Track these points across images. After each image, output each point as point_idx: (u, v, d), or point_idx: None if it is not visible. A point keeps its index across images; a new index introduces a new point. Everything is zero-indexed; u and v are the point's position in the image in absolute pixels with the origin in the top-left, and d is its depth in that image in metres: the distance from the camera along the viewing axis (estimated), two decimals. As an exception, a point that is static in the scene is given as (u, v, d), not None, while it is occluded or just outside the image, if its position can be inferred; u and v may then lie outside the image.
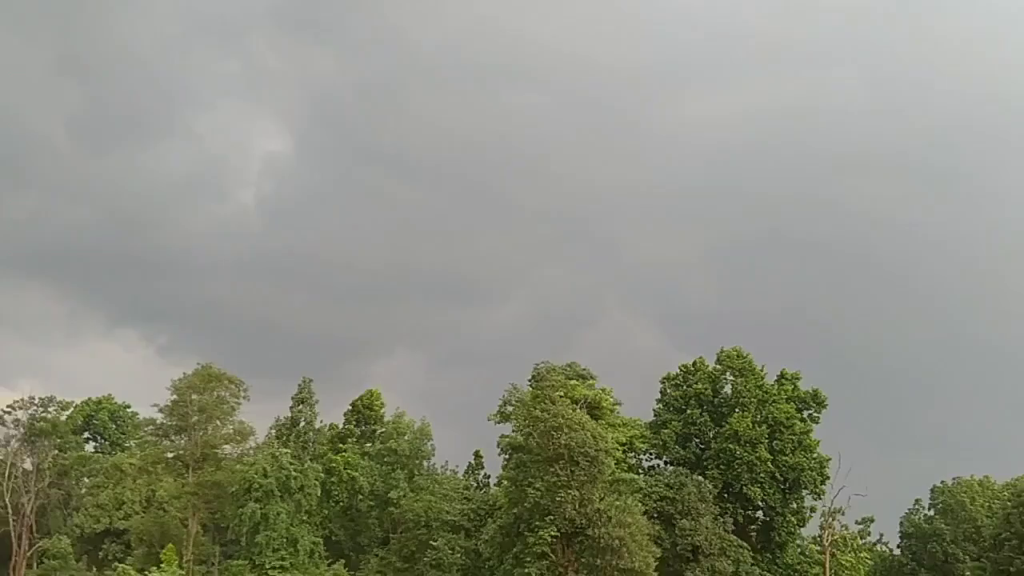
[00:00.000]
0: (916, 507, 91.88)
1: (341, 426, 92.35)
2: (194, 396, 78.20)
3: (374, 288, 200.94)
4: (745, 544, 69.50)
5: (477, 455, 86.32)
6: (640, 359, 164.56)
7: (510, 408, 71.41)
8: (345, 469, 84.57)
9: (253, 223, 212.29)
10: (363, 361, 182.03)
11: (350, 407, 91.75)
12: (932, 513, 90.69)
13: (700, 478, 70.30)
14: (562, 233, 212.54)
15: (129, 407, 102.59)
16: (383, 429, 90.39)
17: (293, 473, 73.74)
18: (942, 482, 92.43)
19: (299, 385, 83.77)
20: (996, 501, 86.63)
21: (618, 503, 59.16)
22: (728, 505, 71.77)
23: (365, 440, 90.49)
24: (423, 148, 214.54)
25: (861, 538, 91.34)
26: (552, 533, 58.05)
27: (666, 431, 75.22)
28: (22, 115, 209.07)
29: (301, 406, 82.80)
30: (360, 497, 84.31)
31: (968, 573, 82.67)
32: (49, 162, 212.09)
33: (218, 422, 79.89)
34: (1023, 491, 77.46)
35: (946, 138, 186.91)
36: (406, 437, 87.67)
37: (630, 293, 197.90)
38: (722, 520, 68.72)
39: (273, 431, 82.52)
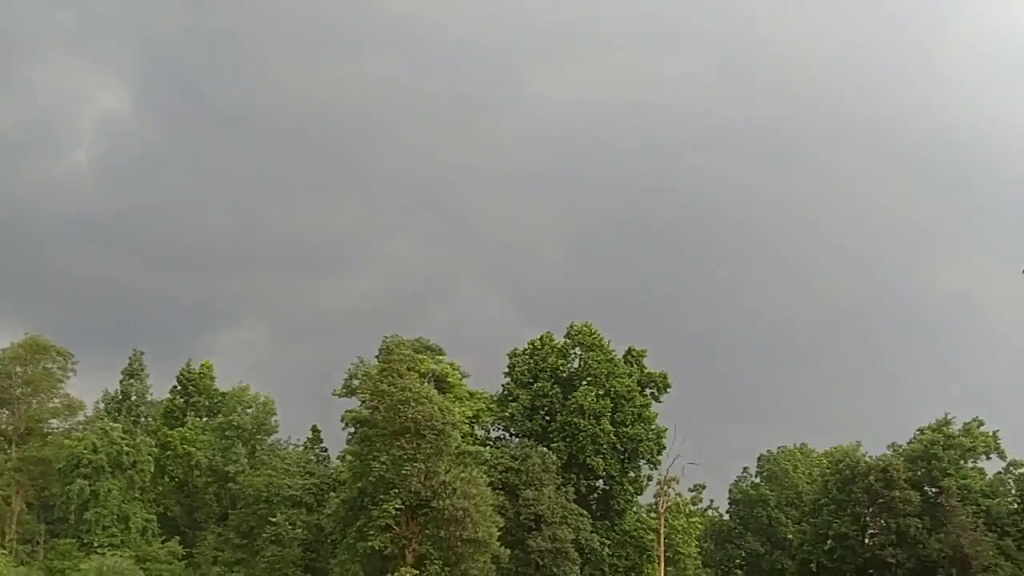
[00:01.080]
0: (744, 475, 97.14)
1: (170, 399, 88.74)
2: (18, 368, 73.90)
3: (217, 255, 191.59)
4: (585, 512, 71.52)
5: (315, 429, 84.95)
6: (491, 333, 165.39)
7: (356, 382, 70.79)
8: (181, 444, 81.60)
9: (86, 183, 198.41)
10: (205, 332, 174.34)
11: (177, 380, 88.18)
12: (758, 480, 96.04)
13: (545, 450, 71.71)
14: (415, 205, 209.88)
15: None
16: (217, 401, 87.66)
17: (125, 448, 70.95)
18: (768, 451, 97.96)
19: (130, 358, 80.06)
20: (816, 468, 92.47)
21: (463, 475, 59.66)
22: (571, 475, 73.54)
23: (198, 414, 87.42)
24: (272, 110, 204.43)
25: (693, 504, 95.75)
26: (396, 506, 57.96)
27: (514, 404, 76.24)
28: None
29: (132, 379, 79.12)
30: (197, 473, 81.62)
31: (790, 535, 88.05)
32: None
33: (44, 395, 75.79)
34: (840, 460, 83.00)
35: (789, 125, 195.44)
36: (249, 411, 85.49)
37: (483, 268, 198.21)
38: (564, 490, 70.36)
39: (102, 405, 78.57)
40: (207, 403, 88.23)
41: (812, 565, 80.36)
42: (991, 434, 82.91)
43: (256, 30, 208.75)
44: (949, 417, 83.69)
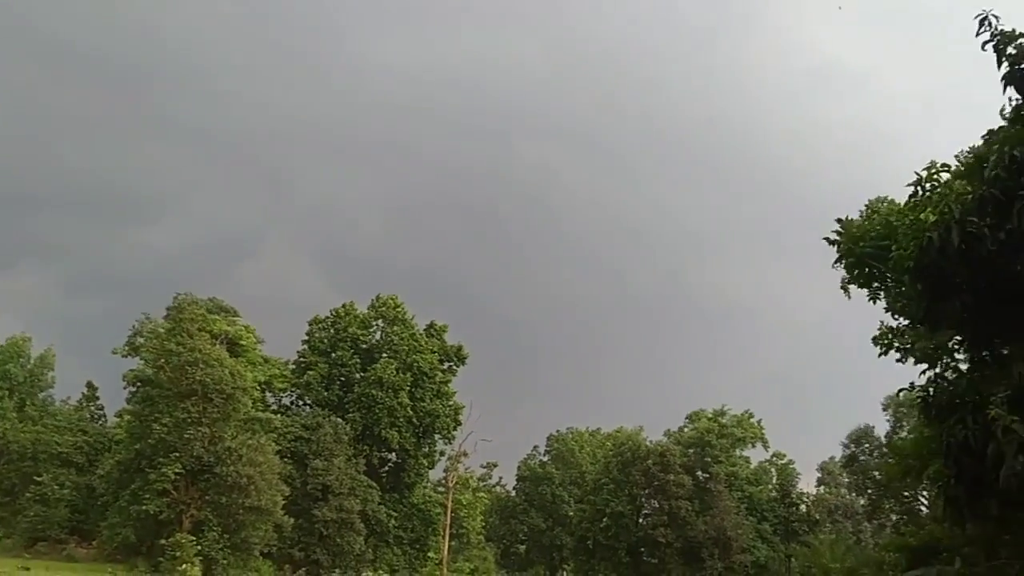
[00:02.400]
0: (533, 453, 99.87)
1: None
2: None
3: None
4: (375, 484, 71.46)
5: (90, 386, 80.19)
6: (298, 298, 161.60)
7: (141, 339, 67.09)
8: (-61, 394, 75.09)
9: None
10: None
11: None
12: (546, 459, 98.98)
13: (339, 420, 70.96)
14: (230, 159, 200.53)
15: None
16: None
17: None
18: (557, 431, 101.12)
19: None
20: (600, 450, 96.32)
21: (251, 442, 58.17)
22: (364, 447, 73.23)
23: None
24: (79, 41, 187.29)
25: (483, 481, 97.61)
26: (176, 470, 55.85)
27: (310, 372, 74.90)
28: None
29: None
30: (-44, 425, 75.24)
31: (571, 513, 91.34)
32: None
33: None
34: (622, 442, 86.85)
35: (604, 120, 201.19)
36: (23, 363, 79.54)
37: (295, 231, 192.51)
38: (355, 461, 70.00)
39: None
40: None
41: (589, 542, 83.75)
42: (758, 424, 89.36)
43: None
44: (725, 408, 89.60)
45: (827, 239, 18.51)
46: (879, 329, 19.05)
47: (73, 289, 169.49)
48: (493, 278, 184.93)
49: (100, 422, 77.86)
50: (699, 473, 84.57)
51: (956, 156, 15.57)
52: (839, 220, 18.47)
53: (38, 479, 68.03)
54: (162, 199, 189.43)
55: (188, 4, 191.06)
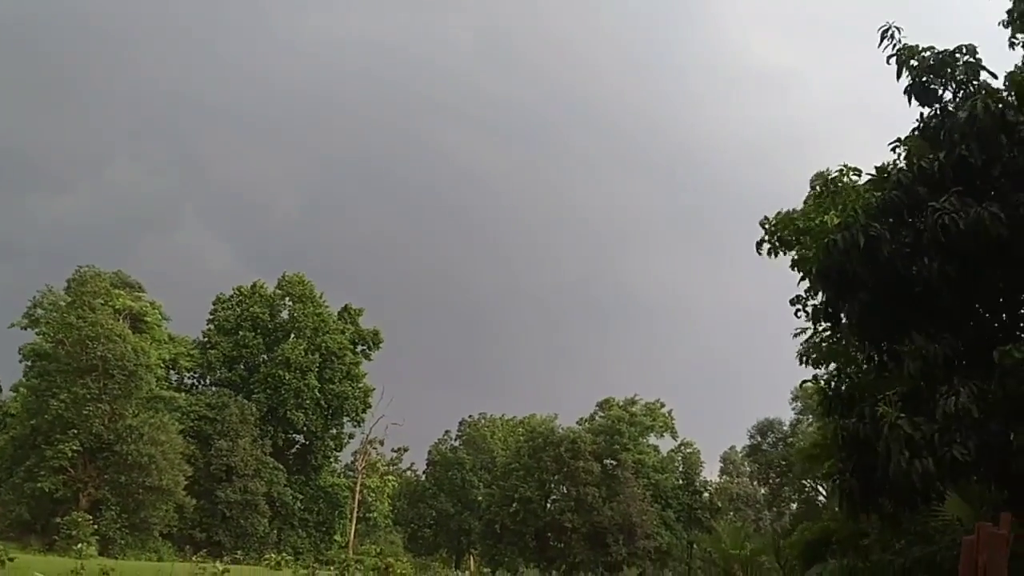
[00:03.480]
0: (444, 438, 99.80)
1: None
2: None
3: None
4: (281, 466, 70.53)
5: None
6: (208, 276, 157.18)
7: (41, 312, 64.79)
8: None
9: None
10: None
11: None
12: (458, 444, 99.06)
13: (245, 400, 69.74)
14: (141, 131, 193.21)
15: None
16: None
17: None
18: (469, 416, 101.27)
19: None
20: (512, 436, 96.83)
21: (153, 420, 56.98)
22: (270, 428, 72.15)
23: None
24: None
25: (393, 465, 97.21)
26: (74, 447, 54.60)
27: (214, 352, 73.30)
28: None
29: None
30: None
31: (480, 497, 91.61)
32: None
33: None
34: (534, 428, 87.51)
35: (538, 104, 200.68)
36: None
37: (207, 206, 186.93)
38: (261, 442, 68.98)
39: None
40: None
41: (496, 526, 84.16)
42: (668, 414, 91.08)
43: None
44: (636, 397, 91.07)
45: (758, 244, 18.81)
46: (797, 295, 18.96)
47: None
48: (411, 261, 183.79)
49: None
50: (607, 460, 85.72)
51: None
52: (762, 222, 18.83)
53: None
54: (70, 169, 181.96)
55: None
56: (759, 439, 78.06)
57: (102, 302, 57.77)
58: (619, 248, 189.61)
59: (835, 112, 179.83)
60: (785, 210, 18.71)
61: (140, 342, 60.10)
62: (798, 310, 18.39)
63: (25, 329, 65.29)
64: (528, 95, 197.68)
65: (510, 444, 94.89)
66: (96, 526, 52.30)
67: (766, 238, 18.82)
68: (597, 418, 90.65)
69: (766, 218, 18.95)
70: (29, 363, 61.40)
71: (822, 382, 16.99)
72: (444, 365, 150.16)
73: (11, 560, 31.85)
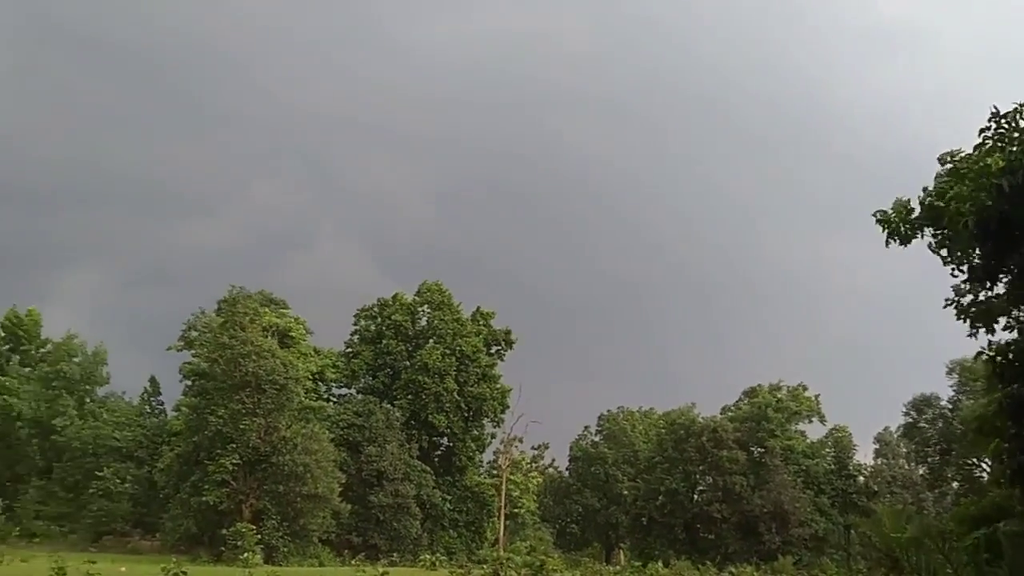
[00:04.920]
0: (584, 433, 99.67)
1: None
2: None
3: (53, 189, 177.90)
4: (428, 468, 71.92)
5: (153, 380, 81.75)
6: (346, 287, 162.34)
7: (195, 333, 68.27)
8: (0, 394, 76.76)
9: None
10: (39, 273, 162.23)
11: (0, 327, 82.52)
12: (598, 439, 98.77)
13: (389, 406, 71.47)
14: (277, 151, 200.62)
15: None
16: (44, 350, 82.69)
17: (-65, 397, 66.10)
18: (608, 410, 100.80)
19: (-59, 302, 74.38)
20: (653, 429, 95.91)
21: (304, 431, 58.87)
22: (415, 432, 73.71)
23: (22, 363, 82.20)
24: (127, 37, 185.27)
25: (535, 462, 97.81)
26: (234, 461, 56.77)
27: (357, 361, 75.53)
28: None
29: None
30: (19, 424, 77.03)
31: (625, 491, 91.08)
32: None
33: None
34: (675, 420, 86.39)
35: (647, 95, 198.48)
36: (77, 360, 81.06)
37: (345, 220, 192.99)
38: (408, 446, 70.50)
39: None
40: (33, 352, 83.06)
41: (644, 519, 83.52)
42: (814, 399, 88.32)
43: None
44: (780, 383, 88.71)
45: (875, 217, 17.63)
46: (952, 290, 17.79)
47: (130, 285, 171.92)
48: (540, 259, 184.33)
49: (161, 416, 79.25)
50: (753, 448, 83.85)
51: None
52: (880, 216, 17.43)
53: (100, 474, 69.48)
54: (213, 194, 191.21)
55: (235, 4, 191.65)
56: (915, 416, 74.73)
57: (251, 320, 60.27)
58: (750, 232, 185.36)
59: (971, 67, 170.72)
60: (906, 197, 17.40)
61: (288, 356, 62.42)
62: (954, 271, 17.30)
63: (181, 351, 69.13)
64: (653, 79, 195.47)
65: (651, 437, 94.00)
66: (259, 535, 54.39)
67: (896, 222, 17.55)
68: (742, 406, 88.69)
69: (898, 201, 17.60)
70: (189, 383, 64.80)
71: (989, 349, 15.74)
72: (578, 361, 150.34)
73: (184, 574, 33.23)
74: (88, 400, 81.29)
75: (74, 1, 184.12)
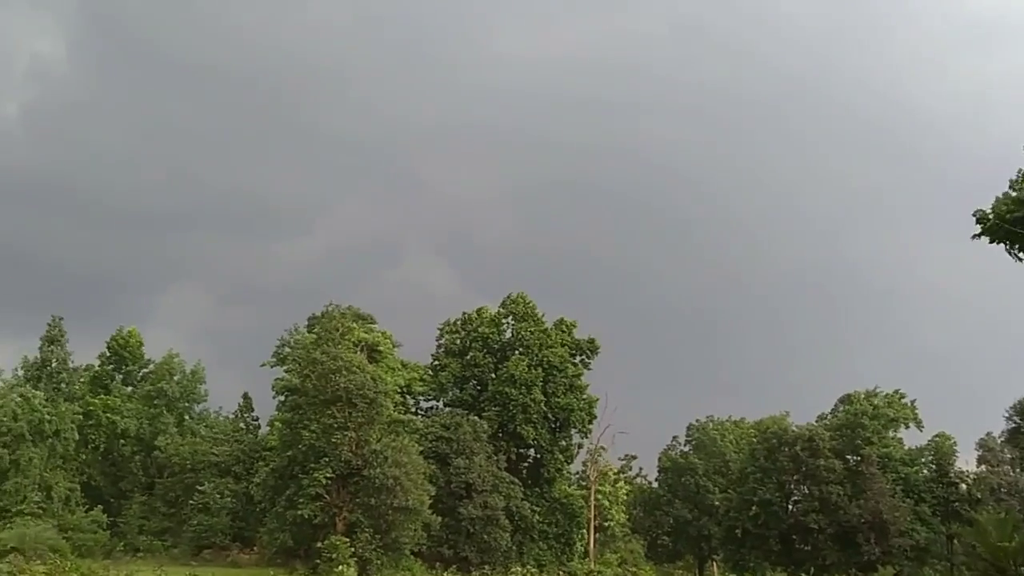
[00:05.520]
0: (673, 443, 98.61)
1: (98, 367, 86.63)
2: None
3: (150, 214, 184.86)
4: (516, 480, 71.95)
5: (246, 397, 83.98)
6: (431, 300, 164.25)
7: (287, 350, 69.90)
8: (104, 412, 79.76)
9: (16, 135, 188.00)
10: (140, 294, 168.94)
11: (106, 347, 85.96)
12: (687, 449, 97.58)
13: (476, 418, 71.79)
14: (364, 166, 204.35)
15: None
16: (146, 370, 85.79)
17: (47, 416, 68.95)
18: (697, 420, 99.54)
19: (48, 324, 77.46)
20: (744, 439, 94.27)
21: (394, 444, 59.37)
22: (502, 444, 73.90)
23: (126, 382, 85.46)
24: (215, 62, 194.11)
25: (623, 473, 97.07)
26: (327, 475, 57.55)
27: (444, 374, 76.16)
28: None
29: (52, 346, 76.83)
30: (122, 442, 80.00)
31: (717, 503, 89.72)
32: None
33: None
34: (768, 428, 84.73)
35: (742, 88, 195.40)
36: (176, 378, 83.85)
37: (431, 234, 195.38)
38: (496, 458, 70.66)
39: (21, 372, 76.29)
40: (136, 371, 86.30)
41: (737, 531, 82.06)
42: (910, 405, 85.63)
43: None
44: (876, 389, 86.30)
45: (975, 215, 17.16)
46: None
47: (225, 304, 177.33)
48: (626, 265, 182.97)
49: (256, 431, 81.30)
50: (849, 457, 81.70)
51: None
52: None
53: (200, 489, 71.55)
54: (305, 212, 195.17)
55: (315, 16, 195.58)
56: (1019, 421, 71.79)
57: (342, 336, 61.36)
58: (847, 236, 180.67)
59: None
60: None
61: (377, 371, 63.34)
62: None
63: (273, 367, 70.90)
64: (729, 81, 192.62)
65: (742, 446, 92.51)
66: (353, 548, 55.06)
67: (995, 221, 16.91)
68: (838, 413, 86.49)
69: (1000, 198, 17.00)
70: (282, 398, 66.33)
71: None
72: (665, 370, 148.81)
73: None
74: (187, 417, 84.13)
75: (173, 31, 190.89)
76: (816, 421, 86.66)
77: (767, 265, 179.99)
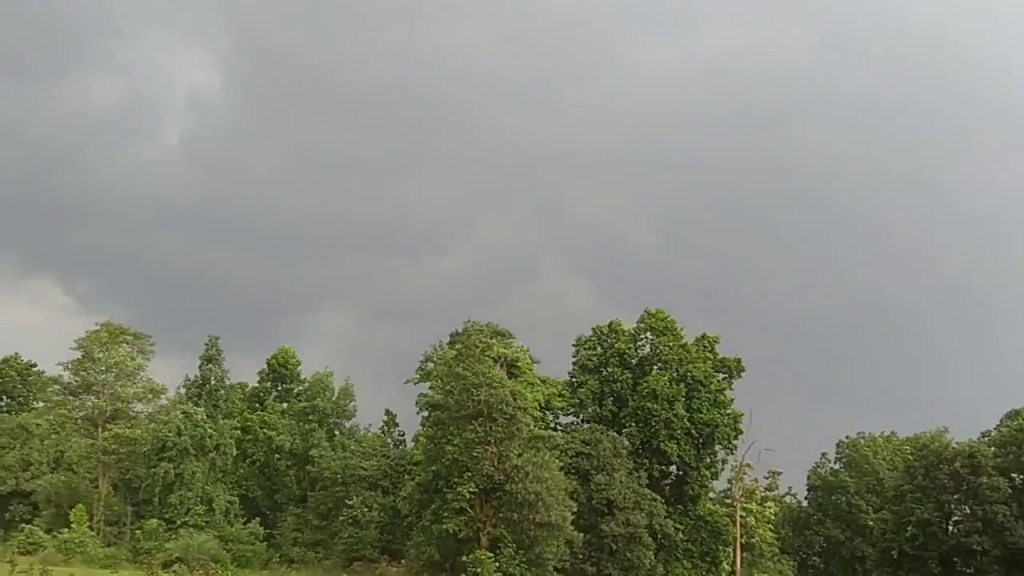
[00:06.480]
0: (822, 461, 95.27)
1: (256, 384, 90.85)
2: (99, 354, 76.26)
3: (302, 237, 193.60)
4: (659, 497, 70.98)
5: (389, 413, 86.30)
6: (569, 316, 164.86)
7: (431, 366, 71.43)
8: (261, 428, 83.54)
9: (177, 163, 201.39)
10: (294, 315, 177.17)
11: (265, 365, 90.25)
12: (837, 466, 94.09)
13: (615, 434, 71.33)
14: (505, 187, 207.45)
15: (35, 366, 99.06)
16: (300, 387, 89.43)
17: (208, 431, 72.70)
18: (847, 437, 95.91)
19: (206, 344, 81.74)
20: (898, 455, 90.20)
21: (535, 459, 59.56)
22: (644, 460, 73.11)
23: (281, 399, 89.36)
24: (359, 88, 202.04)
25: (769, 490, 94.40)
26: (470, 489, 58.24)
27: (582, 390, 76.11)
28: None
29: (210, 364, 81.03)
30: (278, 456, 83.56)
31: (870, 523, 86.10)
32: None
33: (127, 380, 78.15)
34: (925, 445, 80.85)
35: (893, 95, 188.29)
36: (328, 395, 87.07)
37: (569, 250, 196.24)
38: (637, 475, 69.98)
39: (183, 389, 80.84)
40: (292, 388, 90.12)
41: (893, 552, 78.57)
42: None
43: (344, 4, 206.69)
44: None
45: None
46: None
47: (371, 323, 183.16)
48: (768, 278, 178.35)
49: (401, 446, 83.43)
50: (1015, 475, 76.96)
51: None
52: None
53: (349, 503, 73.80)
54: (447, 232, 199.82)
55: (457, 40, 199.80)
56: None
57: (482, 352, 62.30)
58: (1002, 237, 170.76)
59: None
60: None
61: (516, 386, 63.92)
62: None
63: (417, 383, 72.63)
64: (877, 86, 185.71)
65: (897, 464, 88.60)
66: (497, 563, 55.58)
67: None
68: (1003, 429, 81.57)
69: None
70: (425, 413, 67.85)
71: None
72: (808, 385, 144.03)
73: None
74: (337, 433, 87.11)
75: (321, 58, 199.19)
76: (979, 437, 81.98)
77: (918, 274, 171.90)
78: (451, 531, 58.31)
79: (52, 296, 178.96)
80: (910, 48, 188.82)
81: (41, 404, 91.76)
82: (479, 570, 53.50)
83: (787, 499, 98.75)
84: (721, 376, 78.69)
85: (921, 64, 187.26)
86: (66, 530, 65.00)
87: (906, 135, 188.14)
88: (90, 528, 67.83)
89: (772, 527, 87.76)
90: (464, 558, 55.70)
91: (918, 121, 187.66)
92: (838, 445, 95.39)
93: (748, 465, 79.92)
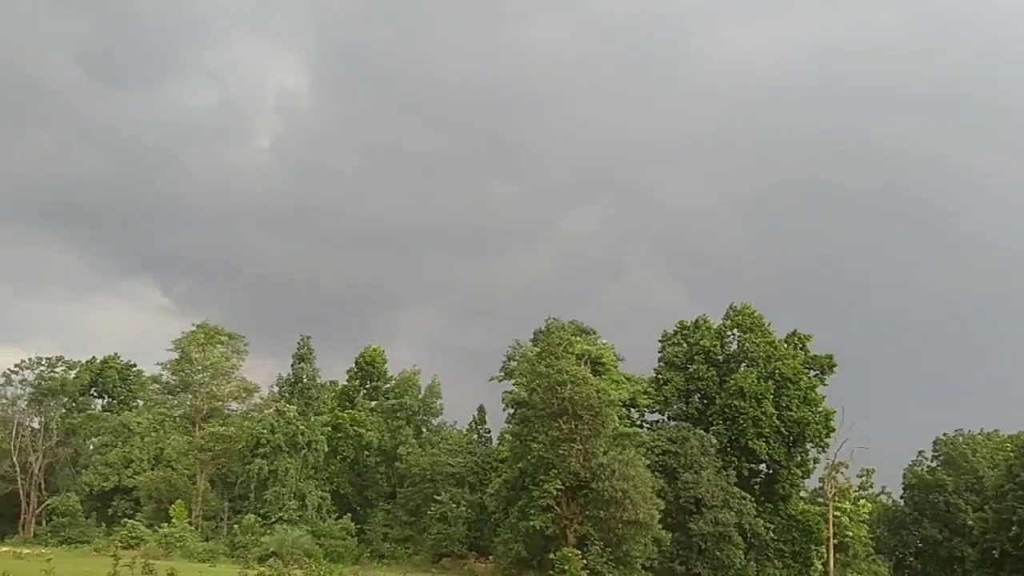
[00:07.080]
0: (919, 459, 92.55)
1: (345, 382, 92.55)
2: (195, 354, 78.80)
3: (390, 236, 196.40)
4: (748, 496, 69.90)
5: (480, 410, 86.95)
6: (653, 312, 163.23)
7: (514, 364, 71.73)
8: (351, 425, 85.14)
9: (268, 165, 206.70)
10: (383, 313, 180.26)
11: (354, 364, 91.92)
12: (935, 464, 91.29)
13: (702, 432, 70.55)
14: (588, 181, 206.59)
15: (135, 366, 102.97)
16: (388, 385, 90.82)
17: (300, 429, 74.40)
18: (944, 434, 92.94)
19: (298, 343, 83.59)
20: (999, 453, 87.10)
21: (621, 457, 59.36)
22: (732, 458, 72.07)
23: (370, 396, 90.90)
24: (443, 85, 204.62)
25: (863, 489, 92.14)
26: (557, 486, 58.36)
27: (668, 387, 75.40)
28: (27, 50, 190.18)
29: (301, 363, 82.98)
30: (367, 453, 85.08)
31: (970, 522, 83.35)
32: (55, 102, 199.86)
33: (222, 378, 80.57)
34: (1024, 443, 77.90)
35: (991, 79, 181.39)
36: (415, 393, 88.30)
37: (654, 245, 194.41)
38: (725, 473, 69.07)
39: (276, 388, 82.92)
40: (380, 386, 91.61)
41: (995, 552, 75.87)
42: None
43: (428, 4, 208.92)
44: None
45: None
46: None
47: (457, 320, 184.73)
48: (862, 270, 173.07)
49: (488, 443, 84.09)
50: None
51: None
52: None
53: (437, 499, 74.71)
54: (531, 228, 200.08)
55: (536, 35, 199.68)
56: None
57: (564, 349, 62.34)
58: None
59: None
60: None
61: (600, 383, 63.77)
62: None
63: (502, 381, 73.04)
64: (980, 64, 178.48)
65: (998, 462, 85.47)
66: (584, 561, 55.47)
67: None
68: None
69: None
70: (511, 411, 68.23)
71: None
72: (905, 380, 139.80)
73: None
74: (424, 430, 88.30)
75: (404, 59, 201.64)
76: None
77: (1012, 272, 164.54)
78: (538, 528, 58.52)
79: (150, 297, 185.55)
80: (1010, 26, 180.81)
81: (141, 403, 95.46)
82: (566, 567, 53.44)
83: (881, 498, 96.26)
84: (812, 373, 77.02)
85: (994, 64, 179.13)
86: (166, 525, 67.39)
87: (986, 133, 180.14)
88: (189, 523, 70.09)
89: (867, 527, 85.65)
90: (551, 555, 55.68)
91: (995, 121, 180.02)
92: (935, 443, 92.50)
93: (842, 463, 78.08)
